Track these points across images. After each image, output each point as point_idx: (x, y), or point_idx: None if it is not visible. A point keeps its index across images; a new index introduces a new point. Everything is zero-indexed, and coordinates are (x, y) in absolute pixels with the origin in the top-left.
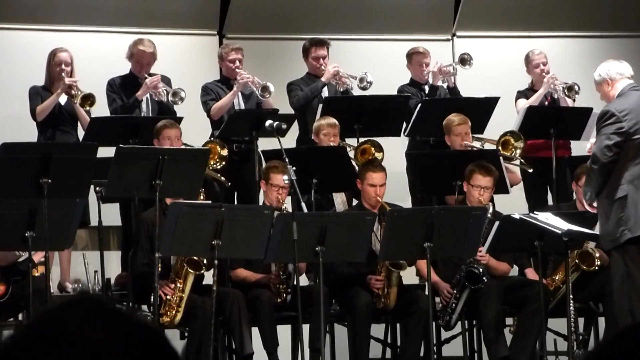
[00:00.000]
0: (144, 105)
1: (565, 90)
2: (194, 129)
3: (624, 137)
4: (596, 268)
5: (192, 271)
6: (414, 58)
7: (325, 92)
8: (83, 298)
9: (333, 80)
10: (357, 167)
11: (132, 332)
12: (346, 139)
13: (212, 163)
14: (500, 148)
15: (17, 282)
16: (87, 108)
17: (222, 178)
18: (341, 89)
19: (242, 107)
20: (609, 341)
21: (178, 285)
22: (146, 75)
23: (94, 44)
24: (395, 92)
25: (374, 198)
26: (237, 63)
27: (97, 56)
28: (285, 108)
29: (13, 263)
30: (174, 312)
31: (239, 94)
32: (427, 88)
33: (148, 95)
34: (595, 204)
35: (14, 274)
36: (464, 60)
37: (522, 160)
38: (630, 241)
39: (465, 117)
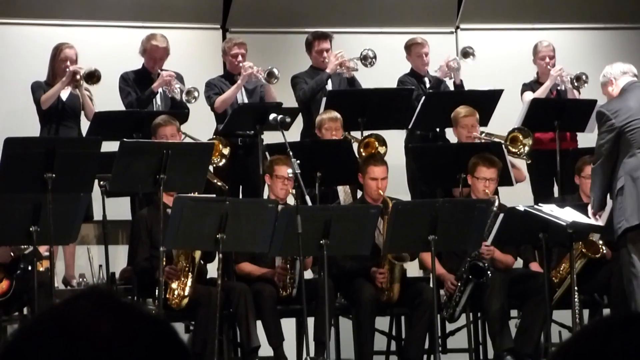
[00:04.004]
0: (158, 99)
1: (574, 81)
2: (200, 123)
3: (615, 133)
4: (603, 251)
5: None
6: (412, 49)
7: (329, 85)
8: (93, 291)
9: (338, 69)
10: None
11: (141, 325)
12: (351, 132)
13: (213, 160)
14: (508, 144)
15: (20, 277)
16: (92, 84)
17: (219, 183)
18: (347, 76)
19: (246, 101)
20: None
21: (184, 263)
22: (159, 70)
23: (97, 39)
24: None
25: (376, 192)
26: (240, 58)
27: (101, 51)
28: (289, 102)
29: (17, 258)
30: (182, 293)
31: (243, 89)
32: (427, 80)
33: (161, 90)
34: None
35: (17, 269)
36: (467, 53)
37: (525, 153)
38: (629, 230)
39: (473, 109)
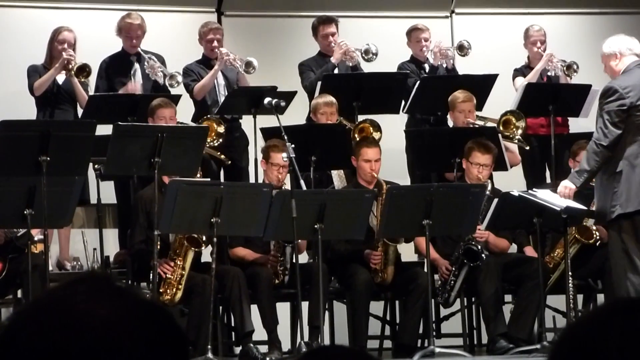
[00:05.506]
0: (139, 77)
1: (564, 69)
2: (191, 108)
3: (626, 114)
4: (596, 239)
5: (192, 248)
6: (413, 35)
7: (336, 70)
8: (90, 275)
9: (342, 57)
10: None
11: (139, 310)
12: (347, 117)
13: (209, 141)
14: (501, 127)
15: (14, 259)
16: (83, 80)
17: (222, 156)
18: (350, 64)
19: (222, 89)
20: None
21: (178, 262)
22: (140, 50)
23: (94, 22)
24: (393, 69)
25: (370, 174)
26: (215, 43)
27: (97, 34)
28: (285, 85)
29: (10, 239)
30: (174, 290)
31: (222, 76)
32: (427, 67)
33: (140, 73)
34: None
35: (10, 251)
36: (462, 47)
37: (519, 138)
38: (622, 217)
39: (471, 94)
